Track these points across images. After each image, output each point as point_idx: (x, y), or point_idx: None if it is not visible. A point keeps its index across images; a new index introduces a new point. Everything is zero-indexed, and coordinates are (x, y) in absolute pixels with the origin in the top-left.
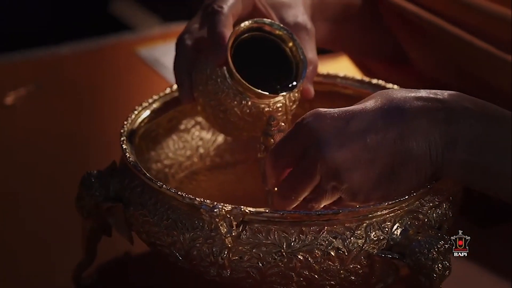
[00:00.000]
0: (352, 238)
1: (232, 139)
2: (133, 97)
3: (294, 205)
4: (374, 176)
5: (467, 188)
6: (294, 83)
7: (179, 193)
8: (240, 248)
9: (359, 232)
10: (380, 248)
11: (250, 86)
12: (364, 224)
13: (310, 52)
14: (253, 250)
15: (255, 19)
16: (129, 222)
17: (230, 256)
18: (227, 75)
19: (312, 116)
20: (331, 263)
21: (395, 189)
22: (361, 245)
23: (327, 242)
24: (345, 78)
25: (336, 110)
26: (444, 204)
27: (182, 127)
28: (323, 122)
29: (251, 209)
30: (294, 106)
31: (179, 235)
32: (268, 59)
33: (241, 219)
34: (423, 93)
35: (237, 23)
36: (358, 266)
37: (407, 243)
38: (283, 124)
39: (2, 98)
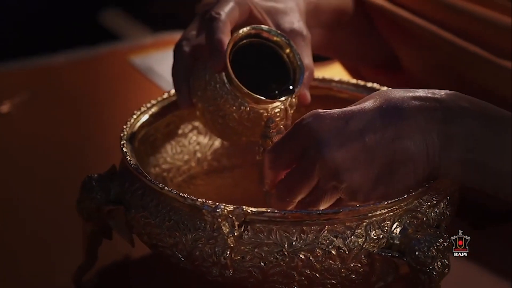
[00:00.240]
0: (352, 237)
1: (229, 143)
2: (128, 104)
3: (291, 206)
4: (373, 175)
5: (463, 190)
6: (292, 88)
7: (181, 194)
8: (242, 248)
9: (359, 231)
10: (380, 247)
11: (249, 91)
12: (364, 223)
13: (306, 58)
14: (255, 250)
15: (253, 25)
16: (130, 224)
17: (233, 256)
18: (225, 81)
19: (311, 116)
20: (332, 262)
21: (393, 187)
22: (361, 244)
23: (328, 241)
24: (340, 82)
25: (335, 110)
26: (442, 203)
27: (179, 131)
28: (323, 122)
29: (253, 209)
30: (292, 111)
31: (181, 236)
32: (266, 65)
33: (243, 219)
34: (420, 92)
35: (234, 29)
36: (359, 265)
37: (406, 242)
38: (281, 126)
39: None
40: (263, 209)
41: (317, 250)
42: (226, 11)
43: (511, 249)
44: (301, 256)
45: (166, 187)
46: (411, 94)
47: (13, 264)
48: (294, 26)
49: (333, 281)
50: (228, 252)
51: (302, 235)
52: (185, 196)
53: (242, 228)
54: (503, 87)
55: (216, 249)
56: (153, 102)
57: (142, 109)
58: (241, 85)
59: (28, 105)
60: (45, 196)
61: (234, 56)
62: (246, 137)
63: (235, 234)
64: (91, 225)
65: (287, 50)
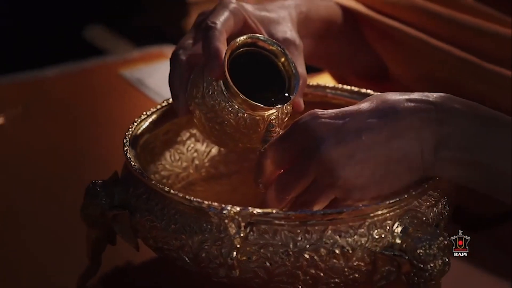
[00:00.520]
0: (355, 236)
1: (226, 150)
2: (120, 115)
3: (284, 204)
4: (368, 173)
5: (459, 190)
6: (287, 95)
7: (186, 197)
8: (248, 248)
9: (362, 230)
10: (382, 246)
11: (246, 98)
12: (367, 223)
13: (300, 66)
14: (261, 250)
15: (250, 34)
16: (135, 228)
17: (239, 257)
18: (223, 88)
19: (309, 115)
20: (336, 261)
21: (389, 186)
22: (364, 243)
23: (332, 240)
24: (334, 88)
25: (332, 110)
26: (440, 203)
27: (178, 139)
28: (320, 121)
29: (259, 210)
30: (286, 118)
31: (188, 239)
32: (261, 73)
33: (248, 220)
34: (415, 95)
35: (229, 38)
36: (362, 264)
37: (408, 241)
38: (281, 131)
39: None
40: (269, 210)
41: (322, 250)
42: (221, 20)
43: (511, 249)
44: (306, 255)
45: (172, 191)
46: (406, 97)
47: (15, 278)
48: (287, 35)
49: (337, 280)
50: (235, 253)
51: (306, 235)
52: (191, 199)
53: (248, 229)
54: (492, 92)
55: (223, 250)
56: (153, 110)
57: (142, 117)
58: (238, 92)
59: (22, 118)
60: (45, 205)
61: (231, 64)
62: (243, 144)
63: (241, 235)
64: (96, 231)
65: (282, 59)
